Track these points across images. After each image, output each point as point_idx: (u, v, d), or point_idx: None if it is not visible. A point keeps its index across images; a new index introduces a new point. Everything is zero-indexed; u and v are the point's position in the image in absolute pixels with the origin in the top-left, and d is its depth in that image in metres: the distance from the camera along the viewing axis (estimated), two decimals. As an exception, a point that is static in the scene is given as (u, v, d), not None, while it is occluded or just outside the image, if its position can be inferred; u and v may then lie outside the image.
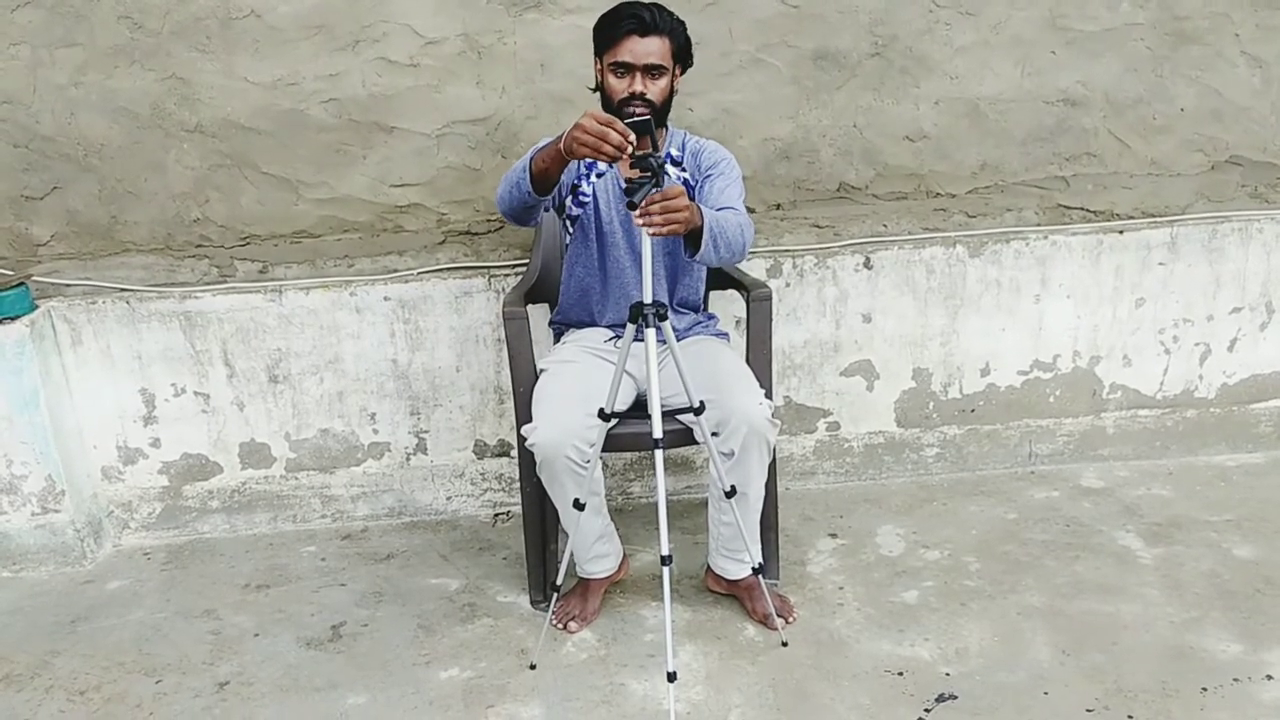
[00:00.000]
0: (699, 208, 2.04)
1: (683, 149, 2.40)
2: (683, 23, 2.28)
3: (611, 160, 1.92)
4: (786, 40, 2.81)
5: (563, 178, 2.34)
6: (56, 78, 2.70)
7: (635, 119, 1.91)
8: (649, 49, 2.21)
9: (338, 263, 2.92)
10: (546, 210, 2.37)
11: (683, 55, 2.30)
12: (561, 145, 1.99)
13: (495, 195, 2.25)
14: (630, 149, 1.89)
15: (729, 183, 2.33)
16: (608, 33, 2.23)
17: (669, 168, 2.35)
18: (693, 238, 2.04)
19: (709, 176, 2.35)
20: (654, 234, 1.91)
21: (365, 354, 2.89)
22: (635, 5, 2.23)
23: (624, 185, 1.92)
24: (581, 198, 2.39)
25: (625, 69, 2.21)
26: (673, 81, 2.29)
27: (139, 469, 2.94)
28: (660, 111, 2.26)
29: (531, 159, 2.10)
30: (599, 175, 2.37)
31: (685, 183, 2.38)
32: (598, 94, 2.31)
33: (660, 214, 1.89)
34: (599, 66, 2.29)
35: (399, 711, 2.18)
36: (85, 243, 2.86)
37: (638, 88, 2.21)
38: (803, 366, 3.00)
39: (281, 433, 2.94)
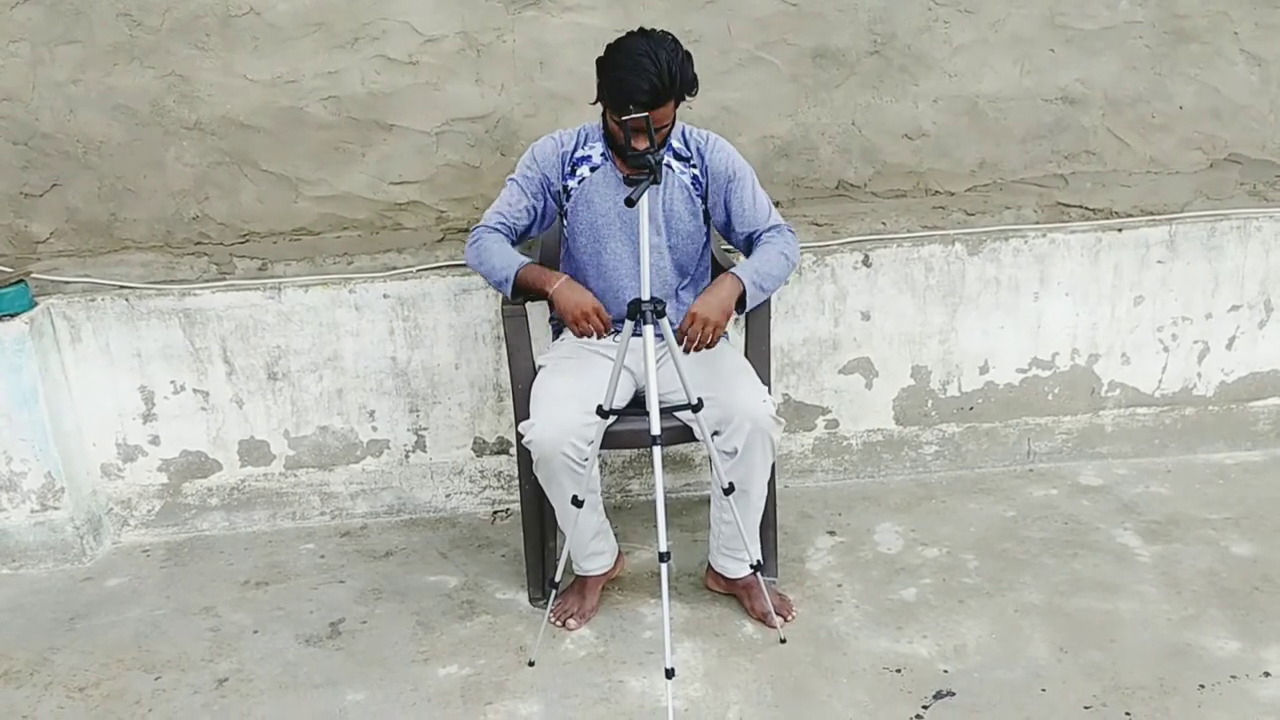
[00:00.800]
0: (734, 276, 2.24)
1: (685, 142, 2.37)
2: (688, 59, 2.17)
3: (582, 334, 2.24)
4: (786, 38, 2.81)
5: (557, 169, 2.37)
6: (56, 75, 2.70)
7: (635, 114, 1.92)
8: (654, 116, 2.10)
9: (337, 260, 2.92)
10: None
11: (687, 91, 2.22)
12: (551, 293, 2.25)
13: (467, 253, 2.38)
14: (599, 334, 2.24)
15: (753, 191, 2.37)
16: (615, 99, 2.15)
17: (672, 162, 2.35)
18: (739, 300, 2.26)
19: (729, 186, 2.35)
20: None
21: (364, 351, 2.89)
22: (643, 74, 2.09)
23: (623, 178, 1.93)
24: (580, 178, 2.38)
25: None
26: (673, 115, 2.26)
27: (138, 466, 2.94)
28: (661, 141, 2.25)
29: (517, 273, 2.27)
30: (593, 169, 2.37)
31: (694, 179, 2.37)
32: (598, 105, 2.27)
33: (696, 346, 2.18)
34: (603, 103, 2.22)
35: (398, 708, 2.18)
36: (85, 240, 2.86)
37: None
38: (801, 364, 3.00)
39: (280, 430, 2.94)
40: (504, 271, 2.29)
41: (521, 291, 2.32)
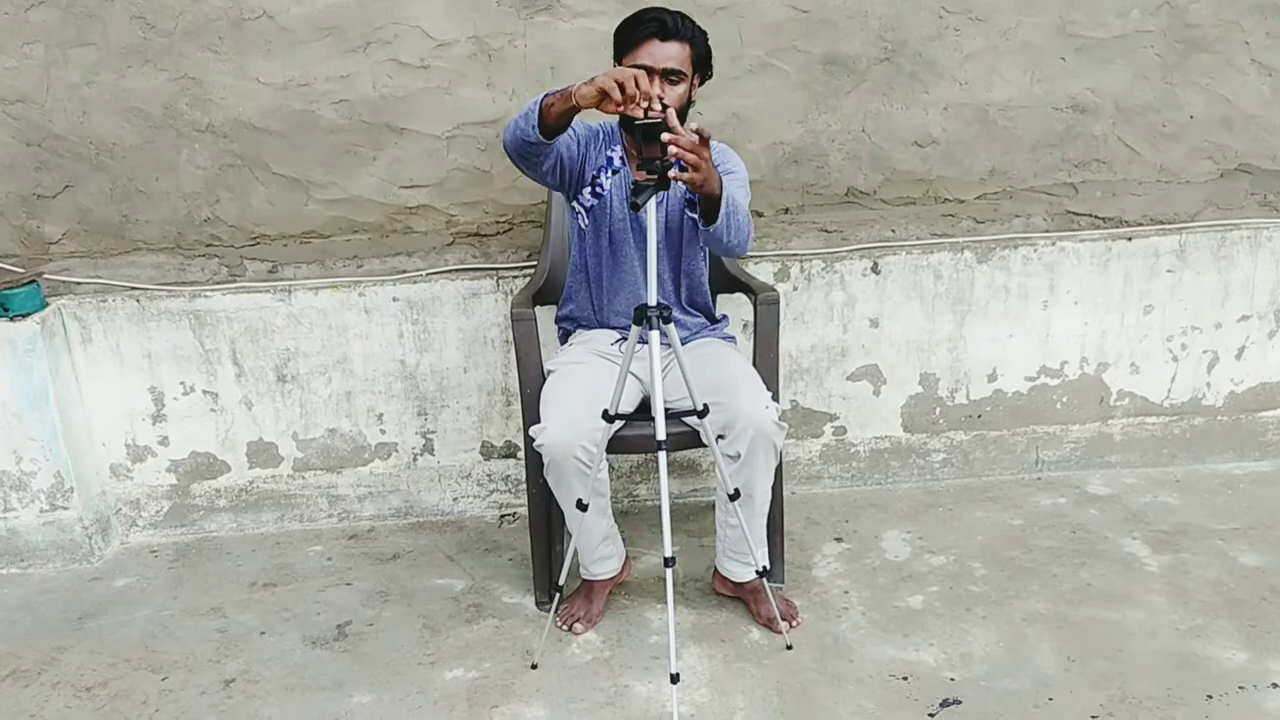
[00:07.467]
0: (720, 177, 2.08)
1: None
2: (704, 32, 2.28)
3: (616, 106, 1.94)
4: (796, 45, 2.81)
5: (583, 168, 2.35)
6: (69, 77, 2.71)
7: (649, 120, 1.91)
8: (668, 54, 2.21)
9: (347, 263, 2.93)
10: (557, 189, 2.39)
11: (702, 64, 2.30)
12: (574, 89, 1.98)
13: (504, 138, 2.19)
14: (645, 114, 1.92)
15: (739, 186, 2.32)
16: (628, 36, 2.23)
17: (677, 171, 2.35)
18: (711, 208, 2.09)
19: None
20: (678, 173, 1.94)
21: (373, 354, 2.90)
22: (657, 10, 2.22)
23: (631, 185, 1.92)
24: (599, 189, 2.39)
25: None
26: (690, 90, 2.29)
27: (147, 467, 2.95)
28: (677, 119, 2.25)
29: (541, 101, 2.08)
30: (615, 172, 2.38)
31: None
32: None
33: (689, 149, 1.92)
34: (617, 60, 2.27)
35: (404, 711, 2.18)
36: (96, 241, 2.87)
37: (655, 92, 2.18)
38: (810, 371, 3.00)
39: (289, 432, 2.95)
40: (530, 110, 2.09)
41: (543, 118, 2.07)
